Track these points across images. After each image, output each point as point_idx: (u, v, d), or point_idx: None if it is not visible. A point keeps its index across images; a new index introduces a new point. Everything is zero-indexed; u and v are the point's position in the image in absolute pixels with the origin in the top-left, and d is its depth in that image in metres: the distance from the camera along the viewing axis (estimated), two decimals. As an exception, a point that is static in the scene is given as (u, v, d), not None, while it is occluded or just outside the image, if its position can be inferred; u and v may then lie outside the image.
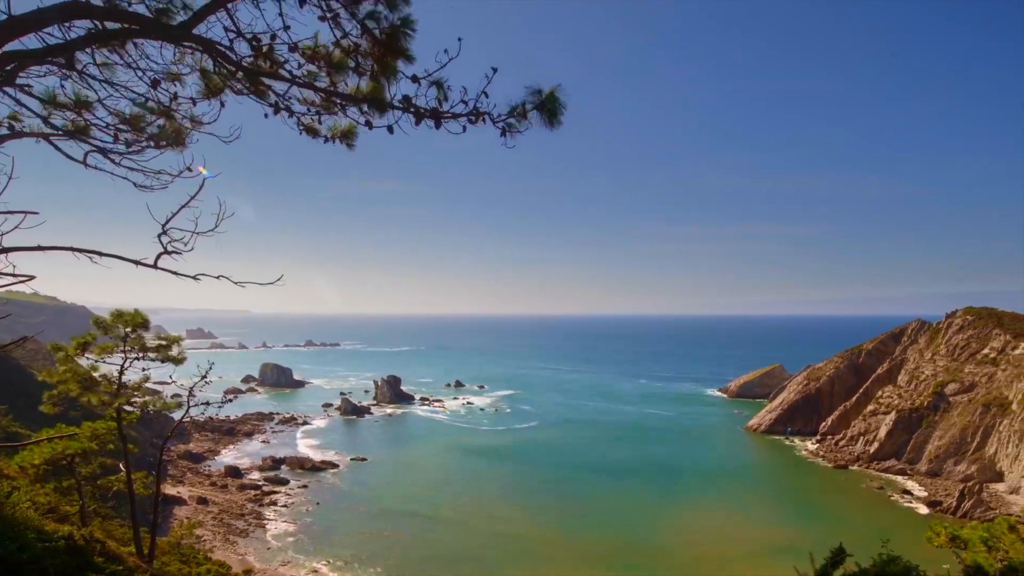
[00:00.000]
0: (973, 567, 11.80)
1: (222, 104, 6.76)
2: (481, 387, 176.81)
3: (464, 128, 6.07)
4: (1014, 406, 79.91)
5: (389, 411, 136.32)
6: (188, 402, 20.64)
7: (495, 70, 5.69)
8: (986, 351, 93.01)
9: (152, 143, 6.97)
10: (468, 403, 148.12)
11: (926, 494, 76.15)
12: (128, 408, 22.36)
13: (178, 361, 18.48)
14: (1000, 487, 74.64)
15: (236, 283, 9.83)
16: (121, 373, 18.78)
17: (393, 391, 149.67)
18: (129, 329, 17.74)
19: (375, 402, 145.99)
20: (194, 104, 6.80)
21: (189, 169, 7.68)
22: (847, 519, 66.40)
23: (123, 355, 18.47)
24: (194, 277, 9.07)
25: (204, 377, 19.33)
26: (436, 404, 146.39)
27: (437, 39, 5.94)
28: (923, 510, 70.76)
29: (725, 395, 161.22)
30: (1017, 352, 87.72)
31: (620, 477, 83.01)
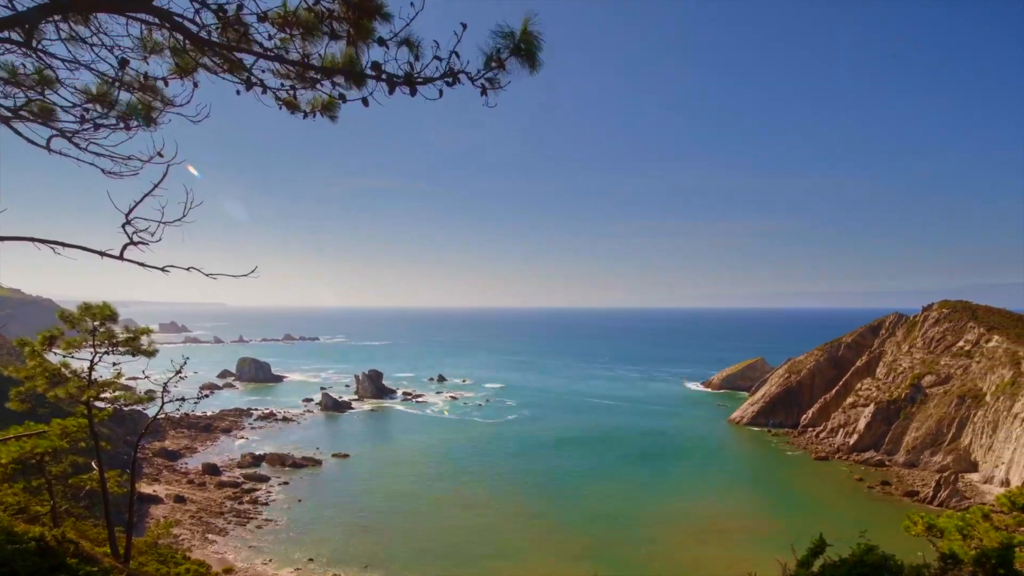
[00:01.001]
0: (948, 555, 12.07)
1: (195, 84, 6.50)
2: (464, 381, 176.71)
3: (440, 93, 5.78)
4: (988, 398, 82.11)
5: (371, 406, 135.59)
6: (162, 398, 20.22)
7: (464, 26, 5.29)
8: (961, 343, 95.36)
9: (122, 122, 6.68)
10: (451, 397, 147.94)
11: (904, 485, 78.01)
12: (100, 404, 21.86)
13: (149, 354, 18.05)
14: (975, 477, 76.77)
15: (208, 275, 9.55)
16: (91, 368, 18.30)
17: (375, 386, 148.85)
18: (97, 323, 17.26)
19: (356, 397, 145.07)
20: (166, 84, 6.53)
21: (160, 155, 7.41)
22: (827, 510, 67.77)
23: (92, 349, 18.00)
24: (163, 269, 8.79)
25: (178, 372, 18.93)
26: (419, 399, 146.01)
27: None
28: (901, 500, 72.51)
29: (708, 388, 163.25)
30: (990, 345, 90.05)
31: (605, 470, 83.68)
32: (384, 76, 5.77)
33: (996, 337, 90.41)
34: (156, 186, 7.66)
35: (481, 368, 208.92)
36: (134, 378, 20.15)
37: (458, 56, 5.61)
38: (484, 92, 5.82)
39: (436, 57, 5.57)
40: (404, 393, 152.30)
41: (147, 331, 18.74)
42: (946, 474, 74.58)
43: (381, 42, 5.63)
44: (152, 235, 8.00)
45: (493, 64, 5.63)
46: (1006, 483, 70.19)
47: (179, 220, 7.93)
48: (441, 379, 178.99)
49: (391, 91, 5.84)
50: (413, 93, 5.82)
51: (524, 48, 5.53)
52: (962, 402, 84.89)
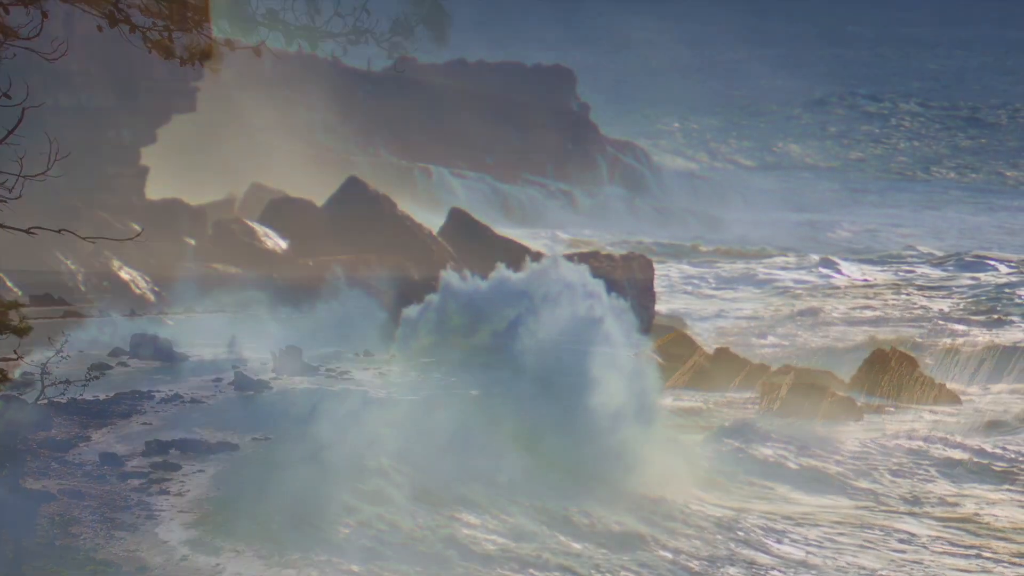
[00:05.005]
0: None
1: (44, 15, 5.88)
2: (393, 356, 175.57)
3: (345, 50, 5.75)
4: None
5: (291, 384, 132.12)
6: (42, 381, 18.81)
7: (374, -12, 5.41)
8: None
9: (-55, 54, 5.93)
10: (380, 372, 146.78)
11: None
12: (-37, 392, 20.06)
13: (21, 331, 16.62)
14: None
15: (84, 239, 8.89)
16: (-53, 350, 16.63)
17: (294, 362, 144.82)
18: (-49, 295, 15.65)
19: (274, 375, 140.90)
20: (7, 11, 5.86)
21: (7, 96, 6.73)
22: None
23: (-53, 328, 16.32)
24: (27, 231, 8.13)
25: (59, 351, 17.58)
26: (344, 375, 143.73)
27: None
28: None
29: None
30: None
31: (538, 443, 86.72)
32: (280, 26, 5.68)
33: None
34: (11, 132, 7.01)
35: (409, 340, 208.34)
36: (4, 359, 18.58)
37: (368, 13, 5.70)
38: (391, 55, 6.08)
39: (337, 13, 5.60)
40: (327, 369, 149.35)
41: (15, 304, 17.20)
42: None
43: (278, -11, 5.53)
44: (10, 191, 7.40)
45: (401, 28, 5.78)
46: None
47: (42, 175, 7.34)
48: (368, 354, 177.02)
49: (288, 43, 5.77)
50: (313, 47, 5.83)
51: (434, 20, 5.77)
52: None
